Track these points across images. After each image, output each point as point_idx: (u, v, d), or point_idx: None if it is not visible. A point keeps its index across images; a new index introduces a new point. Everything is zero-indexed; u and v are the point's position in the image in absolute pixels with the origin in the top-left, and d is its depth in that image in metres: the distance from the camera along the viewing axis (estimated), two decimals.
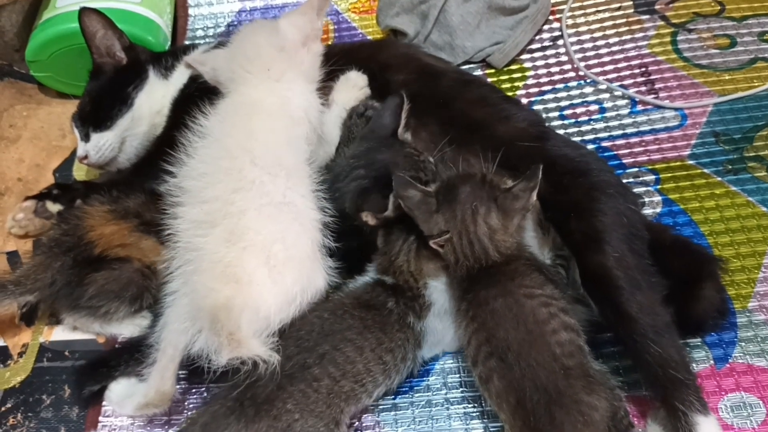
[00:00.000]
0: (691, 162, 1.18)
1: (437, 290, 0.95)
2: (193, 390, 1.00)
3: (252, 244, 0.84)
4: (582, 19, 1.44)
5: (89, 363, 1.00)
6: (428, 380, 0.98)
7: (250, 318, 0.81)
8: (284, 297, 0.84)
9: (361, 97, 1.09)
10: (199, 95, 1.14)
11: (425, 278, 0.95)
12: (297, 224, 0.89)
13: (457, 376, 0.98)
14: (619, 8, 1.45)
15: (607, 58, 1.36)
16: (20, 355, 1.09)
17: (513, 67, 1.39)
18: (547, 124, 1.18)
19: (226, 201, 0.88)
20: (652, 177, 1.17)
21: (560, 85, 1.34)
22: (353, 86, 1.09)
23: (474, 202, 0.90)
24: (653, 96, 1.28)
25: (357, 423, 0.95)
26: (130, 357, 0.96)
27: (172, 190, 0.93)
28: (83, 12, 1.21)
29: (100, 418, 0.99)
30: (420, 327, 0.95)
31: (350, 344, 0.89)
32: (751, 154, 1.17)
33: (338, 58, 1.10)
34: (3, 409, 1.03)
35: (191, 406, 0.98)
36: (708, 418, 0.83)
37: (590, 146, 1.21)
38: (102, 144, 1.19)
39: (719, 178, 1.15)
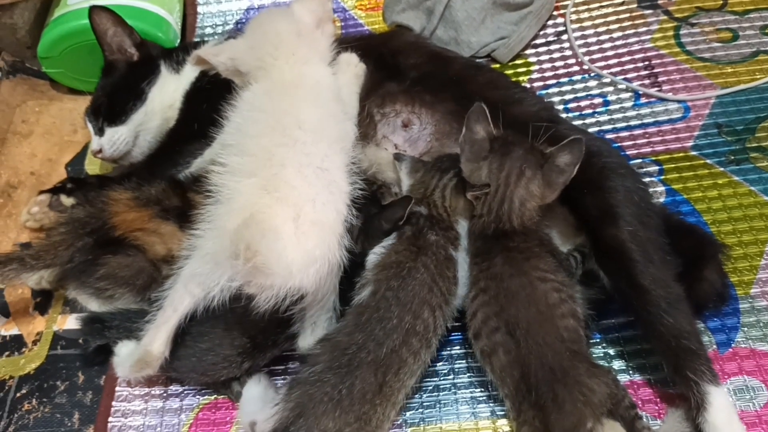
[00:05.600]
0: (694, 153, 1.19)
1: (464, 228, 0.99)
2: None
3: (286, 196, 0.86)
4: (586, 14, 1.46)
5: (88, 318, 1.02)
6: (436, 366, 1.00)
7: (270, 242, 0.81)
8: (305, 257, 0.84)
9: (360, 72, 1.11)
10: (210, 88, 1.17)
11: (457, 215, 0.99)
12: (328, 192, 0.90)
13: (464, 361, 1.00)
14: (622, 3, 1.46)
15: (610, 52, 1.38)
16: (35, 343, 1.11)
17: (518, 61, 1.41)
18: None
19: (270, 153, 0.90)
20: (656, 168, 1.18)
21: (564, 79, 1.36)
22: (347, 65, 1.10)
23: (524, 164, 0.93)
24: (656, 89, 1.30)
25: None
26: (121, 323, 0.99)
27: (217, 149, 0.97)
28: (93, 11, 1.23)
29: (113, 403, 1.01)
30: (457, 257, 0.97)
31: (426, 306, 0.91)
32: (753, 145, 1.18)
33: (347, 47, 1.11)
34: (18, 395, 1.05)
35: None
36: (719, 388, 0.84)
37: None
38: (116, 138, 1.21)
39: (722, 169, 1.16)
